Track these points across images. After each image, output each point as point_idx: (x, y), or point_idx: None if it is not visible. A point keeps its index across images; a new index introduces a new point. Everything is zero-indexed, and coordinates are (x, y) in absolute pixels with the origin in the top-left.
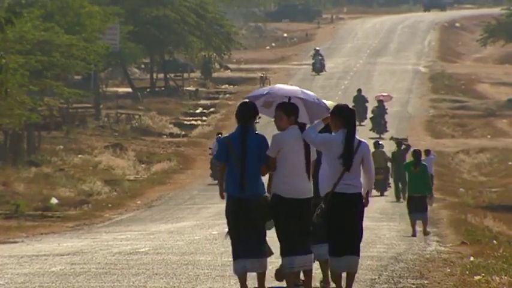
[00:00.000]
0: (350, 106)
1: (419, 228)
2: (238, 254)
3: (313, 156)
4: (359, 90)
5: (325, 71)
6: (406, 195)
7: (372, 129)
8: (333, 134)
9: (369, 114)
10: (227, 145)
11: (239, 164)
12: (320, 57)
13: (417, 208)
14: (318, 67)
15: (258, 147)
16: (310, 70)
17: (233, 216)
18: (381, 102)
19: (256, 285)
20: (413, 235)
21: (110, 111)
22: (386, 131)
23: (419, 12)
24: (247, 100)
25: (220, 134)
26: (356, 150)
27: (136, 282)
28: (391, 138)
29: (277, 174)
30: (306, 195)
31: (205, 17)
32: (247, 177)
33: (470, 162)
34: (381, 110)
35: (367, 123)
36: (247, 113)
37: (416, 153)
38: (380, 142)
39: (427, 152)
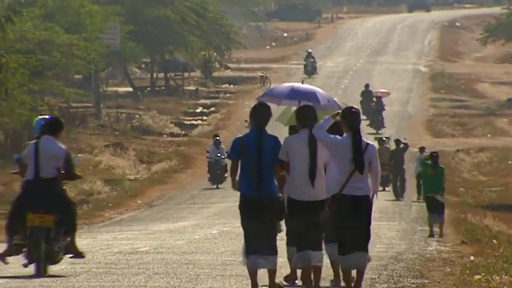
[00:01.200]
0: (354, 106)
1: (436, 228)
2: (250, 250)
3: (327, 159)
4: (367, 86)
5: (317, 74)
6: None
7: (370, 125)
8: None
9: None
10: (241, 146)
11: (254, 165)
12: (312, 60)
13: (435, 209)
14: (310, 69)
15: (272, 149)
16: (302, 72)
17: (247, 214)
18: (379, 98)
19: (268, 283)
20: (431, 235)
21: (110, 110)
22: (384, 126)
23: (418, 12)
24: (261, 101)
25: (218, 136)
26: (364, 153)
27: (136, 281)
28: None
29: (289, 177)
30: (314, 198)
31: (206, 17)
32: (261, 176)
33: (470, 161)
34: (378, 106)
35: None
36: (262, 115)
37: (434, 156)
38: (384, 139)
39: (422, 149)
